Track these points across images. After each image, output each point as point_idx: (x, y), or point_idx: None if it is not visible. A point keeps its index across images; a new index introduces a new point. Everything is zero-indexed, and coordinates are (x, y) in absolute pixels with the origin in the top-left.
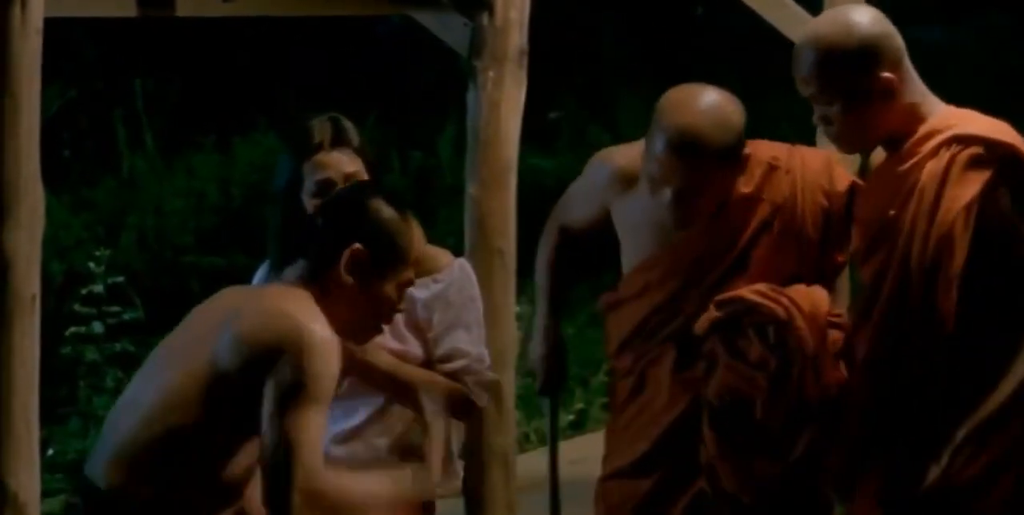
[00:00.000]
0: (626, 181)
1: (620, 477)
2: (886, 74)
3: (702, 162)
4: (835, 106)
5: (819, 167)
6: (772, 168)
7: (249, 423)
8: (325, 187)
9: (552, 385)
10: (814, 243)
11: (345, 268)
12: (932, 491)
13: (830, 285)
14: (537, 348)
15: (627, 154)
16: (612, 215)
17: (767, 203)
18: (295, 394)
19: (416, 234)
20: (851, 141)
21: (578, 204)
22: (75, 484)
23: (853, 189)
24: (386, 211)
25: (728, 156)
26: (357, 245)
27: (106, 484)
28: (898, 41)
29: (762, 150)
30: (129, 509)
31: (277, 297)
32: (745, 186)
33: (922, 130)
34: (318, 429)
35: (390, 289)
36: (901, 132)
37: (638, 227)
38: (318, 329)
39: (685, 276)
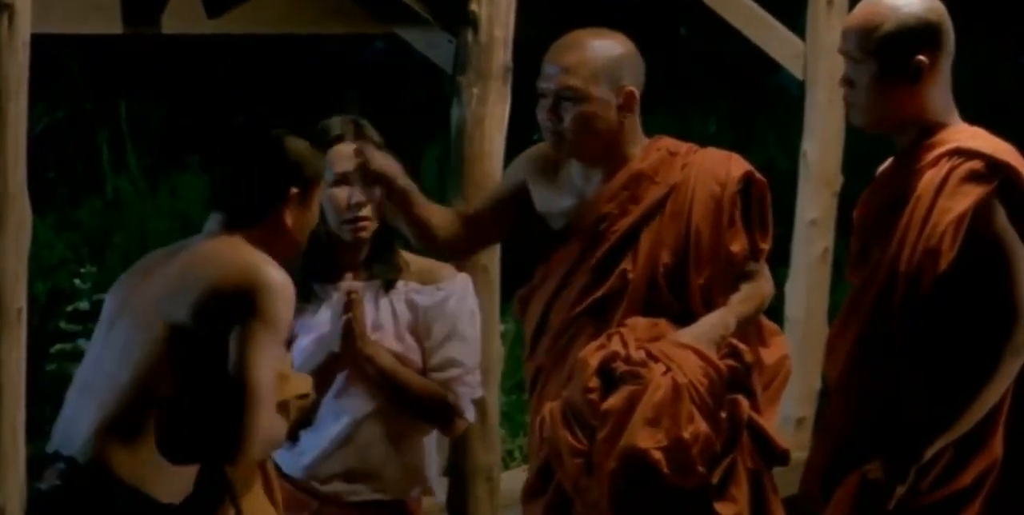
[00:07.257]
0: (543, 159)
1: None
2: (923, 57)
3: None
4: (867, 68)
5: (718, 158)
6: (671, 154)
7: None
8: (346, 177)
9: None
10: (704, 227)
11: (287, 212)
12: (899, 511)
13: (727, 276)
14: None
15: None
16: (532, 195)
17: (662, 185)
18: (255, 335)
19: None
20: (866, 110)
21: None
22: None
23: (749, 178)
24: (299, 145)
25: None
26: (294, 189)
27: (92, 457)
28: (951, 43)
29: (664, 141)
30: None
31: (223, 248)
32: (639, 163)
33: (932, 139)
34: (274, 367)
35: (316, 206)
36: (914, 127)
37: (552, 217)
38: (273, 272)
39: (577, 253)
